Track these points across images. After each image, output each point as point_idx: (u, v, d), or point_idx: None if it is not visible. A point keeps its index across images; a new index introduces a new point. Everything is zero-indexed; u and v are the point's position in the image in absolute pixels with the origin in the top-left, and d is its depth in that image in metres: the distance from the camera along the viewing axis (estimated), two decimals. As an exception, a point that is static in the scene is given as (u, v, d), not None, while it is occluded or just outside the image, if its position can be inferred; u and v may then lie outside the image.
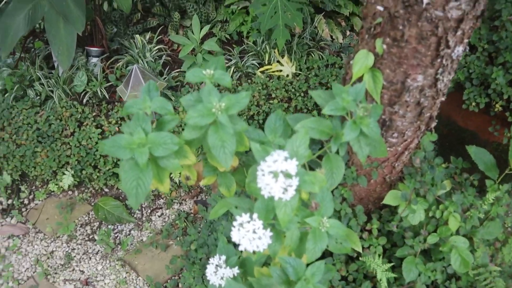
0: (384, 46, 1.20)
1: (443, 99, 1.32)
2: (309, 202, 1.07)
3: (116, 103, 2.52)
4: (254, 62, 2.74)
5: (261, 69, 2.69)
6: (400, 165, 1.45)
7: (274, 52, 2.74)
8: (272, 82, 2.58)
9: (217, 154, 0.99)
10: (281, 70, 2.67)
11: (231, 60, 2.74)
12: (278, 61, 2.72)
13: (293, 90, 2.57)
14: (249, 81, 2.64)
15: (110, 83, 2.58)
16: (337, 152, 1.14)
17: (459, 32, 1.15)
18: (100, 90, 2.51)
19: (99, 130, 2.35)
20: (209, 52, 2.68)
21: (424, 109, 1.29)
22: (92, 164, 2.37)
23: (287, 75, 2.66)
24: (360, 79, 1.26)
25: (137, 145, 1.02)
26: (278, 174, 0.86)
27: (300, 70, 2.73)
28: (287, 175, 0.86)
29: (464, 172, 1.80)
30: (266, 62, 2.74)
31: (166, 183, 1.13)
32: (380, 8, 1.18)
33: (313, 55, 2.83)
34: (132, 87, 2.21)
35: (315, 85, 2.60)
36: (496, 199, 1.65)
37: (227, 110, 0.97)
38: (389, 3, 1.15)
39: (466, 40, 1.20)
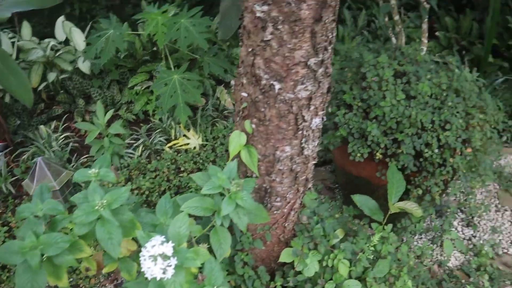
0: (253, 126, 1.38)
1: (314, 162, 1.51)
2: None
3: (24, 197, 2.49)
4: (161, 138, 2.86)
5: (169, 144, 2.82)
6: (290, 224, 1.61)
7: (180, 127, 2.89)
8: (180, 156, 2.71)
9: (105, 246, 1.08)
10: (188, 143, 2.82)
11: (139, 139, 2.84)
12: (184, 135, 2.87)
13: (201, 161, 2.71)
14: (158, 157, 2.75)
15: (17, 177, 2.57)
16: (223, 225, 1.27)
17: (312, 108, 1.36)
18: (5, 186, 2.48)
19: (6, 228, 2.31)
20: (116, 135, 2.77)
21: (298, 174, 1.47)
22: (1, 265, 2.29)
23: (194, 147, 2.81)
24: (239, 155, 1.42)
25: (29, 248, 1.08)
26: (156, 257, 0.96)
27: (207, 140, 2.89)
28: (165, 257, 0.97)
29: (357, 218, 2.01)
30: (173, 137, 2.88)
31: (64, 278, 1.19)
32: (244, 94, 1.37)
33: (217, 125, 3.02)
34: (38, 180, 2.23)
35: (222, 153, 2.77)
36: (384, 238, 1.86)
37: (109, 206, 1.07)
38: (250, 90, 1.35)
39: (321, 112, 1.41)
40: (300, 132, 1.37)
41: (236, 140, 1.37)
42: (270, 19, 1.22)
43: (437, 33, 4.22)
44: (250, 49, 1.31)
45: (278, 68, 1.26)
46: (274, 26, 1.23)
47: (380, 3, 2.62)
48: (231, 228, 1.41)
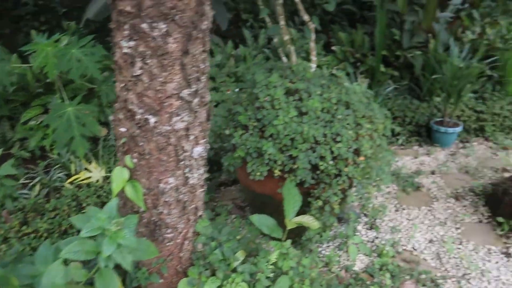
0: (135, 160, 1.37)
1: (202, 189, 1.52)
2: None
3: None
4: (61, 174, 2.73)
5: (70, 180, 2.70)
6: (186, 254, 1.60)
7: (81, 160, 2.78)
8: (82, 191, 2.60)
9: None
10: (90, 177, 2.71)
11: (35, 178, 2.69)
12: (86, 169, 2.76)
13: (105, 194, 2.62)
14: (58, 195, 2.62)
15: None
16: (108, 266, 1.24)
17: (191, 137, 1.38)
18: None
19: None
20: (8, 176, 2.60)
21: (187, 203, 1.48)
22: None
23: (97, 180, 2.71)
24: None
25: None
26: (21, 316, 0.92)
27: (111, 172, 2.80)
28: (32, 315, 0.93)
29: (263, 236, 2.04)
30: (74, 172, 2.76)
31: None
32: (122, 129, 1.36)
33: (121, 155, 2.94)
34: None
35: (127, 183, 2.70)
36: (284, 255, 1.91)
37: (-31, 265, 1.00)
38: (127, 125, 1.34)
39: (202, 141, 1.43)
40: (182, 162, 1.38)
41: (119, 176, 1.35)
42: (138, 54, 1.23)
43: (333, 48, 4.48)
44: (123, 85, 1.30)
45: (151, 102, 1.27)
46: (143, 61, 1.23)
47: (269, 25, 2.73)
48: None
